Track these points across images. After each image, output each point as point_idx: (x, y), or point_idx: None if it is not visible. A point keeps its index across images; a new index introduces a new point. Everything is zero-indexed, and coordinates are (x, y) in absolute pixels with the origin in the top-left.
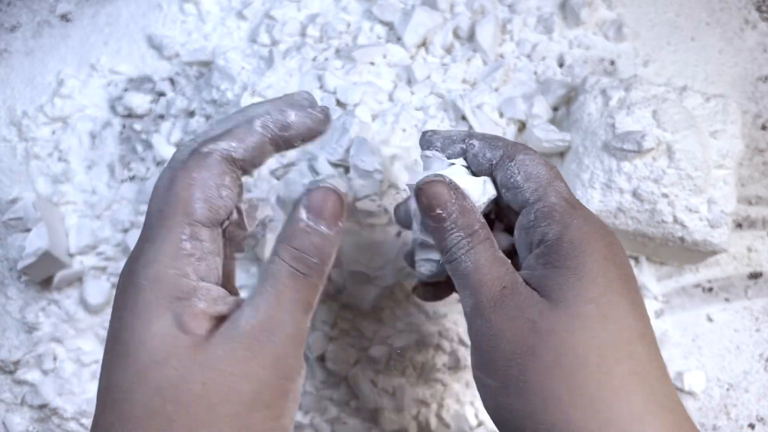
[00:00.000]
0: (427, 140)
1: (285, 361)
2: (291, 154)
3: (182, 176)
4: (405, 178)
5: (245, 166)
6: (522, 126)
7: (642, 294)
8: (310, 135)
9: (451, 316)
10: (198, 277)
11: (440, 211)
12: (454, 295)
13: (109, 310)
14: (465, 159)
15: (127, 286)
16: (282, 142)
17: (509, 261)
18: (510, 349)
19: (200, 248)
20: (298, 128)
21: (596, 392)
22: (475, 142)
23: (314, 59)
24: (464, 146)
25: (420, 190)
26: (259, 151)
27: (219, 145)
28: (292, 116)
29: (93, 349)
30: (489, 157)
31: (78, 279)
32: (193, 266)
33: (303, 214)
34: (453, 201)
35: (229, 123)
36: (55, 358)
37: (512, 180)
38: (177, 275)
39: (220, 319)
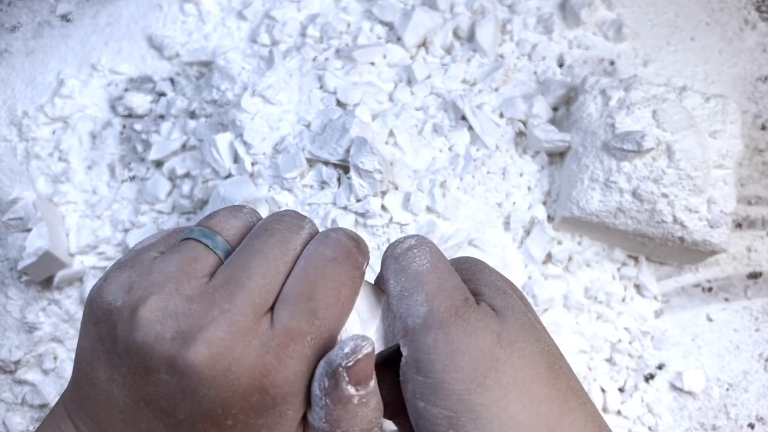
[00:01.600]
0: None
1: None
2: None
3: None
4: (405, 179)
5: None
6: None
7: (641, 293)
8: None
9: None
10: None
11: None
12: None
13: None
14: None
15: None
16: None
17: None
18: (471, 368)
19: None
20: None
21: (548, 409)
22: None
23: (314, 59)
24: None
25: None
26: None
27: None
28: None
29: None
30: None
31: (78, 279)
32: None
33: (351, 390)
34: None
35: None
36: (55, 358)
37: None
38: None
39: None
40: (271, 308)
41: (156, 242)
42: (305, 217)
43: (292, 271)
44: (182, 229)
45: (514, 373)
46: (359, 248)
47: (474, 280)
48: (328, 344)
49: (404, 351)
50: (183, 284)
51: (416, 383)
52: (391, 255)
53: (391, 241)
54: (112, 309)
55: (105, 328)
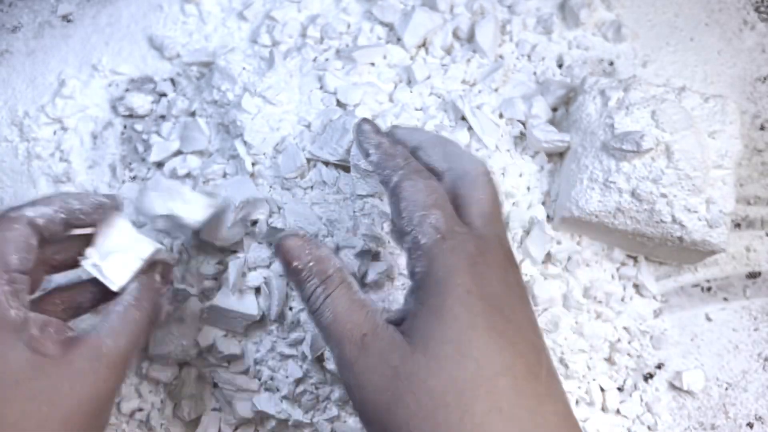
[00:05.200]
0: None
1: None
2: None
3: None
4: None
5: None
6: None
7: (640, 293)
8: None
9: None
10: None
11: (296, 264)
12: None
13: None
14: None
15: None
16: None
17: (369, 303)
18: (375, 399)
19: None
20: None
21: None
22: (374, 155)
23: (315, 60)
24: (364, 153)
25: (277, 248)
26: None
27: (23, 211)
28: (76, 203)
29: None
30: (385, 173)
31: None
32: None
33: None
34: (307, 251)
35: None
36: None
37: (395, 207)
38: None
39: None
40: None
41: None
42: None
43: None
44: None
45: (416, 400)
46: None
47: (429, 298)
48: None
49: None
50: None
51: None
52: (310, 310)
53: (392, 243)
54: None
55: None
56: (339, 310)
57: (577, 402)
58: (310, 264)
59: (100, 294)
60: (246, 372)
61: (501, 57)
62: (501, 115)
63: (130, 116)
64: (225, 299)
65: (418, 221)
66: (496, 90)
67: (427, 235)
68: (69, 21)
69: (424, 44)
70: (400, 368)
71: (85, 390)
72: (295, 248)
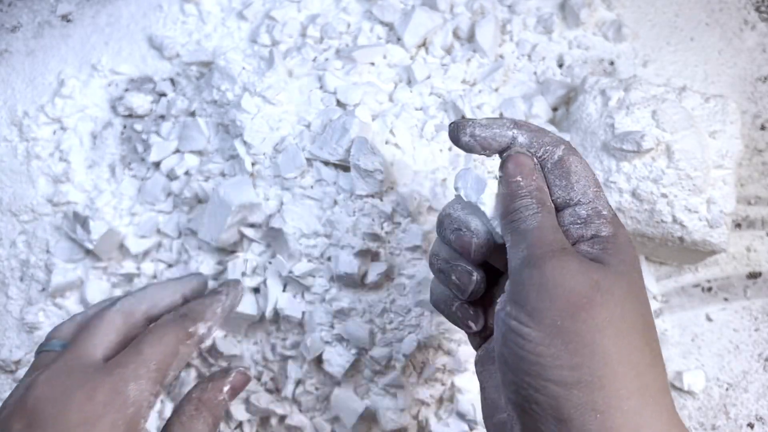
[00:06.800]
0: (463, 133)
1: None
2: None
3: (167, 344)
4: (405, 179)
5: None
6: None
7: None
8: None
9: None
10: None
11: (520, 179)
12: None
13: None
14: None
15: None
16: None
17: None
18: (567, 299)
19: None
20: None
21: (641, 356)
22: (521, 136)
23: (314, 59)
24: (509, 139)
25: (509, 157)
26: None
27: (199, 328)
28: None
29: None
30: (545, 149)
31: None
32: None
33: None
34: (535, 176)
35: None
36: None
37: (563, 178)
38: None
39: None
40: None
41: None
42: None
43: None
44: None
45: (609, 316)
46: (189, 318)
47: (619, 253)
48: (157, 371)
49: (506, 288)
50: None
51: (512, 308)
52: (505, 219)
53: (392, 243)
54: None
55: None
56: (546, 224)
57: None
58: (532, 188)
59: None
60: None
61: (501, 57)
62: (501, 115)
63: (130, 116)
64: None
65: (594, 195)
66: (496, 90)
67: (606, 209)
68: (68, 21)
69: (424, 44)
70: (601, 282)
71: None
72: (527, 167)
